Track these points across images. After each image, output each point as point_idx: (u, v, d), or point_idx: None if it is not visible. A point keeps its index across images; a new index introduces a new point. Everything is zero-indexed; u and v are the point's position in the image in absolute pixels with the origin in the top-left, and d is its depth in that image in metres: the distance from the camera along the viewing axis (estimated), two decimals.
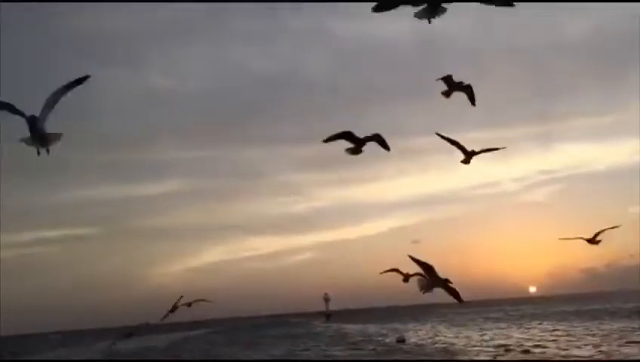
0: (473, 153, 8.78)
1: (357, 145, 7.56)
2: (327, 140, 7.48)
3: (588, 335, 28.20)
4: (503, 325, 42.20)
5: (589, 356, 19.95)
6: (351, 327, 55.05)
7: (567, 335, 28.67)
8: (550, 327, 35.82)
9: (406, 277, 9.98)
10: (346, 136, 7.47)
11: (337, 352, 28.03)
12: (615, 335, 26.66)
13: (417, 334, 37.35)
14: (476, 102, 8.19)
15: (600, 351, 21.00)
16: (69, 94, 5.74)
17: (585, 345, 23.72)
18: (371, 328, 50.44)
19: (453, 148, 8.44)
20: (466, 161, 8.85)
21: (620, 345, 22.37)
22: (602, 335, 27.16)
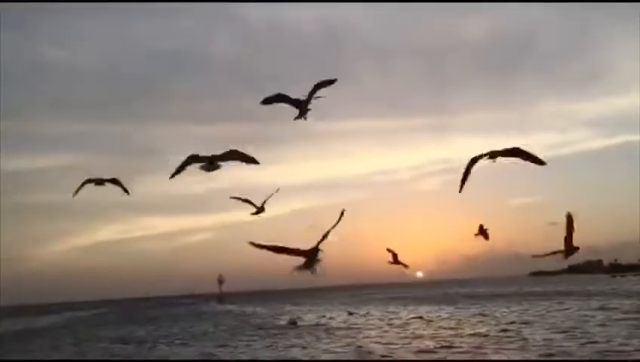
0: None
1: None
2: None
3: (468, 315, 30.16)
4: (391, 308, 44.02)
5: (477, 333, 21.28)
6: (244, 309, 55.04)
7: (449, 317, 30.48)
8: (432, 309, 37.85)
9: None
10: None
11: (226, 334, 27.88)
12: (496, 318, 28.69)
13: (309, 316, 38.02)
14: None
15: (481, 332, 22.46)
16: None
17: (466, 325, 25.29)
18: (265, 310, 50.72)
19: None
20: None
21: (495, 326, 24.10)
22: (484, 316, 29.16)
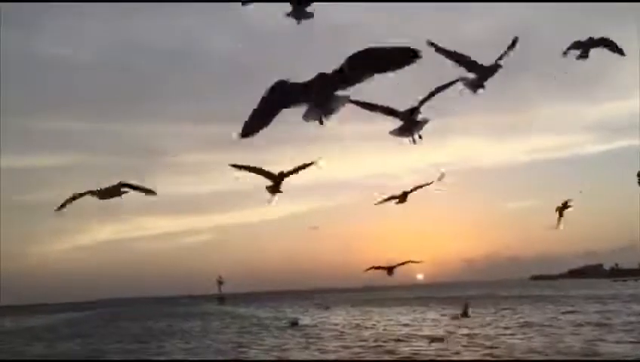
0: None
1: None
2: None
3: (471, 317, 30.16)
4: (389, 310, 43.98)
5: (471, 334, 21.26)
6: (245, 310, 55.07)
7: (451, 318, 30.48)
8: (436, 312, 37.86)
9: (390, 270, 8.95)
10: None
11: (230, 333, 27.88)
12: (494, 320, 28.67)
13: (309, 317, 38.03)
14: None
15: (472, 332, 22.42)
16: None
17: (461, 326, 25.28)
18: (265, 311, 50.72)
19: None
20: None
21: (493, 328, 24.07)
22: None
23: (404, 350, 18.64)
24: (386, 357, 17.43)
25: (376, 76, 4.04)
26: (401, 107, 5.78)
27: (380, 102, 5.54)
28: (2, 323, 53.28)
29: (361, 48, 3.81)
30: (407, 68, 4.08)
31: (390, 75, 4.05)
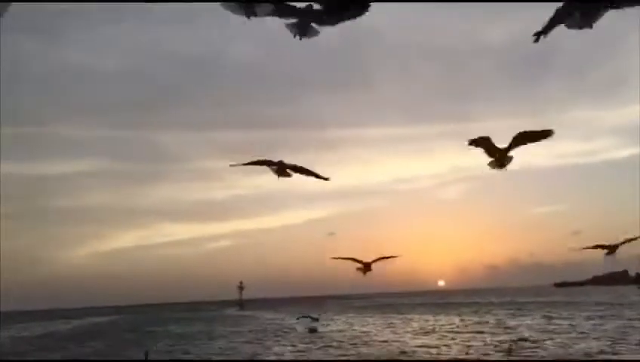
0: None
1: None
2: None
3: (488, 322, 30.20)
4: (408, 316, 44.03)
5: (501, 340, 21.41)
6: (265, 315, 55.40)
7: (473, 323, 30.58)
8: (453, 318, 37.87)
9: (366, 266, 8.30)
10: None
11: (251, 338, 28.25)
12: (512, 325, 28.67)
13: (328, 323, 38.22)
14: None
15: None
16: None
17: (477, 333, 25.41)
18: (285, 317, 50.99)
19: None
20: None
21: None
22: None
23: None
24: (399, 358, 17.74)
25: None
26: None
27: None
28: (31, 327, 54.38)
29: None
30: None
31: None
